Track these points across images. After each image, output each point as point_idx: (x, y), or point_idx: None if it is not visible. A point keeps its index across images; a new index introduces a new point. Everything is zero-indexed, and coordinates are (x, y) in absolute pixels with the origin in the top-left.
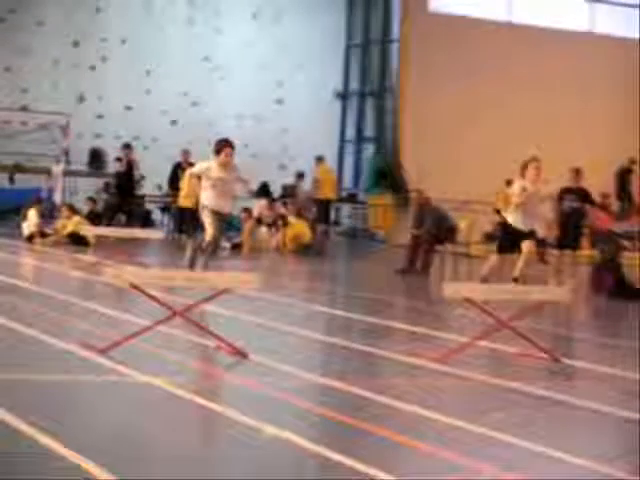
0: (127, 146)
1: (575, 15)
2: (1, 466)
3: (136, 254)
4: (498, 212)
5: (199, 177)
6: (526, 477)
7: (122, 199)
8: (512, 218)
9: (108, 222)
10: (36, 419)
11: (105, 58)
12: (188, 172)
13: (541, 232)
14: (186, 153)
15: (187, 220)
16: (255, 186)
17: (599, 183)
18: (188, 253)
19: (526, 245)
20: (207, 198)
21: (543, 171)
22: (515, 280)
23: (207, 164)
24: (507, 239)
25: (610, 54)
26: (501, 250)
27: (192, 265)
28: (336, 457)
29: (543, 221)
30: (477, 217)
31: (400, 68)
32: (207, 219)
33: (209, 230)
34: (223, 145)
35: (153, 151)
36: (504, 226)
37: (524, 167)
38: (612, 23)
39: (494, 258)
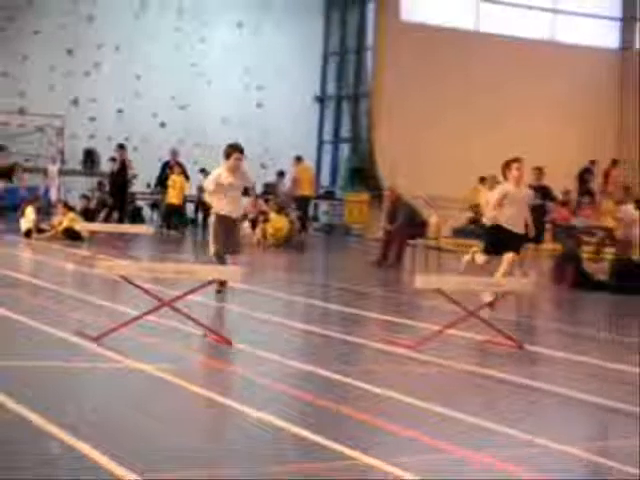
0: (121, 146)
1: (537, 24)
2: None
3: (127, 248)
4: (475, 210)
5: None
6: (493, 457)
7: (116, 196)
8: (502, 219)
9: (105, 219)
10: (33, 403)
11: (98, 64)
12: (208, 191)
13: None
14: (174, 153)
15: (175, 216)
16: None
17: (563, 181)
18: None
19: (508, 256)
20: (218, 204)
21: (525, 172)
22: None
23: (217, 172)
24: (496, 240)
25: (571, 62)
26: (488, 251)
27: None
28: (316, 438)
29: (525, 221)
30: (446, 212)
31: (374, 74)
32: (213, 231)
33: (211, 247)
34: (232, 150)
35: (143, 151)
36: (493, 228)
37: (506, 167)
38: (573, 32)
39: (482, 258)
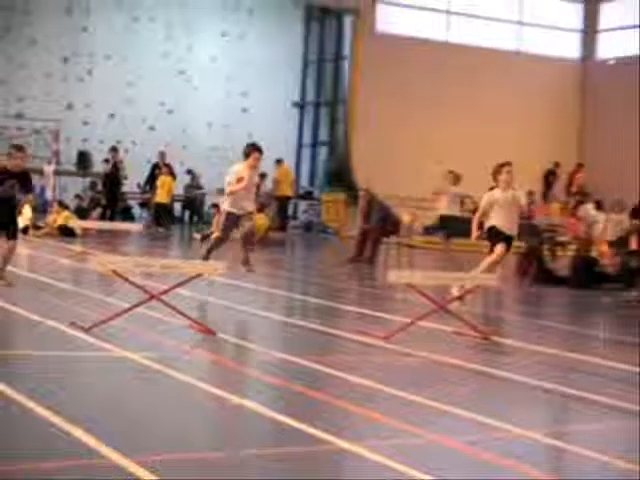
0: (114, 149)
1: (504, 36)
2: None
3: (118, 244)
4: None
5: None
6: (460, 441)
7: (109, 195)
8: (495, 222)
9: (101, 217)
10: (28, 389)
11: (91, 71)
12: (231, 188)
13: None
14: (162, 155)
15: (163, 214)
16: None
17: (529, 183)
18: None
19: (499, 249)
20: (232, 201)
21: (515, 176)
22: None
23: (236, 169)
24: (498, 235)
25: (535, 71)
26: (499, 241)
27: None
28: (293, 423)
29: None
30: (417, 211)
31: (350, 81)
32: (226, 222)
33: (219, 232)
34: (252, 149)
35: (133, 153)
36: (492, 230)
37: (497, 172)
38: (537, 43)
39: (499, 249)
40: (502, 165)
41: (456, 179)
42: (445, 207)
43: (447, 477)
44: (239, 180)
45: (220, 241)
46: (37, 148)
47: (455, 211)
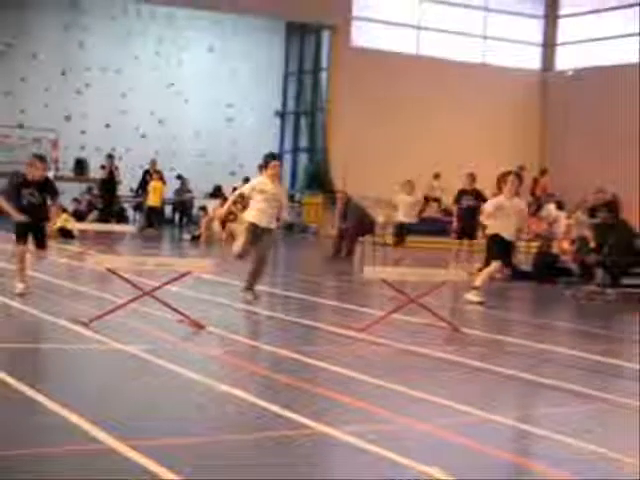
0: (110, 156)
1: (470, 49)
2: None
3: (113, 244)
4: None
5: (242, 197)
6: (432, 425)
7: (105, 199)
8: (498, 230)
9: (99, 220)
10: (30, 378)
11: (88, 84)
12: (237, 192)
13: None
14: (153, 163)
15: (154, 216)
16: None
17: (493, 186)
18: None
19: (495, 265)
20: (257, 213)
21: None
22: (475, 288)
23: (256, 181)
24: (498, 247)
25: (499, 81)
26: (498, 258)
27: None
28: (276, 409)
29: (514, 229)
30: (391, 212)
31: (328, 92)
32: (248, 234)
33: (236, 248)
34: (270, 159)
35: (126, 160)
36: (493, 236)
37: (502, 179)
38: (502, 56)
39: (495, 265)
40: (507, 174)
41: (411, 189)
42: (403, 215)
43: (418, 458)
44: (261, 192)
45: (239, 258)
46: None
47: (412, 218)
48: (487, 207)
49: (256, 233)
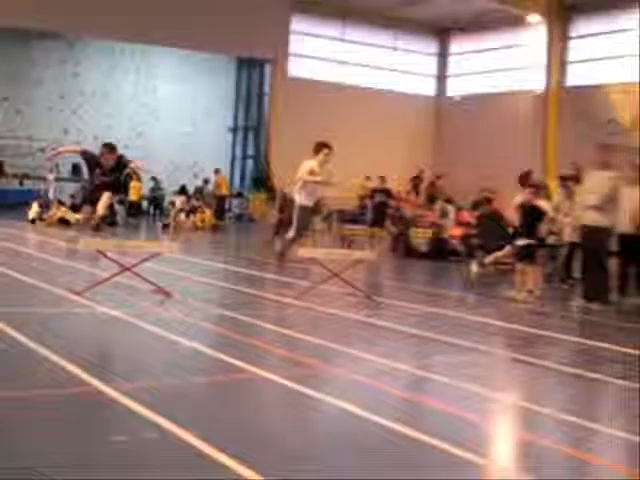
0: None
1: (381, 79)
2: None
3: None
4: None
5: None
6: (347, 370)
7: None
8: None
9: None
10: (29, 332)
11: (81, 105)
12: (306, 174)
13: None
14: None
15: (134, 209)
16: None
17: (398, 185)
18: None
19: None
20: (309, 193)
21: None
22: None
23: (308, 165)
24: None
25: (403, 105)
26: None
27: (283, 255)
28: (227, 358)
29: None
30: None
31: (269, 112)
32: (302, 215)
33: (294, 231)
34: (322, 146)
35: None
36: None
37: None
38: (406, 84)
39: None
40: (526, 176)
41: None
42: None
43: (332, 394)
44: (311, 173)
45: (294, 241)
46: (42, 162)
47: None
48: (515, 202)
49: (307, 214)
